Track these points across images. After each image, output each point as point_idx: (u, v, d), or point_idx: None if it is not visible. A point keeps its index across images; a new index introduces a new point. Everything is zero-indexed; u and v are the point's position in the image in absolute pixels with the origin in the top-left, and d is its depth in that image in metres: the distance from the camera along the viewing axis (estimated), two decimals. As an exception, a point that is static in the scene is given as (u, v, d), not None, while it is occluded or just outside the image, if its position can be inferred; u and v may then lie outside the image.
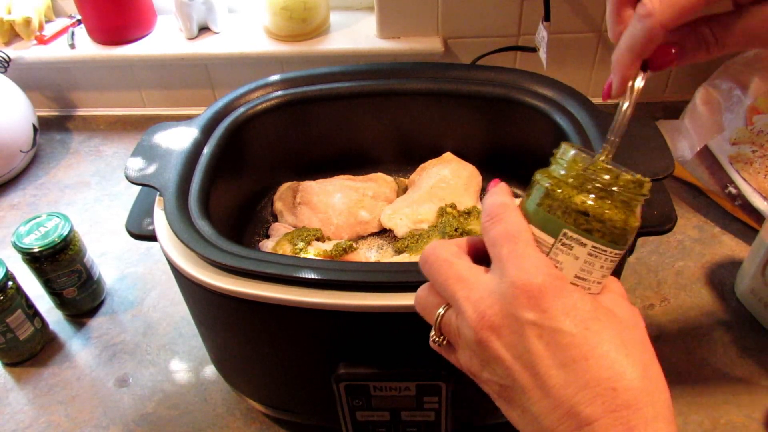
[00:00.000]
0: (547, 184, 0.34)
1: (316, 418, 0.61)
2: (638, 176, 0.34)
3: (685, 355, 0.67)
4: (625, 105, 0.37)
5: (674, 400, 0.65)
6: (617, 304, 0.34)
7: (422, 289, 0.37)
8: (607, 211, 0.33)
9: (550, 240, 0.34)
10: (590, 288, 0.34)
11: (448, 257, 0.35)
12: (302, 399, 0.59)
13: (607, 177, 0.33)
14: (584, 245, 0.33)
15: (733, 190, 0.80)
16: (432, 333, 0.36)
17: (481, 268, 0.34)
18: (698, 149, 0.81)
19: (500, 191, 0.36)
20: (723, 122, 0.81)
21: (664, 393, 0.31)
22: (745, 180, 0.79)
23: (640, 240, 0.58)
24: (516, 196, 0.71)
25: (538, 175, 0.36)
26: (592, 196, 0.33)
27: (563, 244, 0.33)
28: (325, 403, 0.54)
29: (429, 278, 0.36)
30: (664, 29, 0.34)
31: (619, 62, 0.36)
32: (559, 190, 0.34)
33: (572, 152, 0.35)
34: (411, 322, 0.47)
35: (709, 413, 0.62)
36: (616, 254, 0.34)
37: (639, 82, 0.37)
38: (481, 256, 0.36)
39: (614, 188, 0.33)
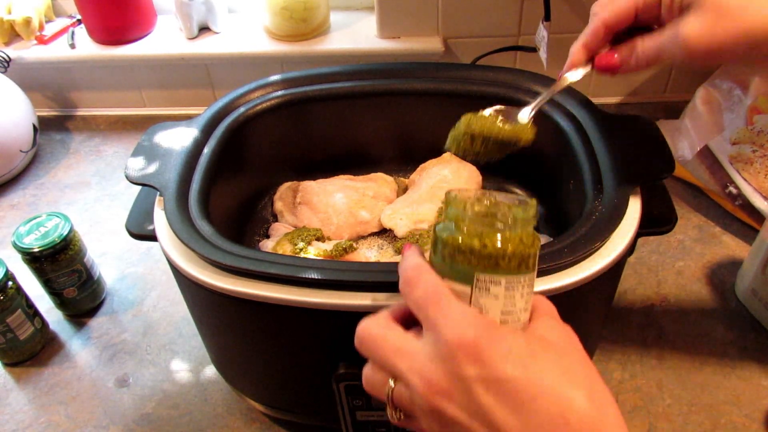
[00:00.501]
0: (444, 236, 0.35)
1: (316, 418, 0.61)
2: (522, 199, 0.35)
3: (685, 355, 0.67)
4: (556, 86, 0.44)
5: (674, 400, 0.65)
6: (548, 327, 0.35)
7: (366, 368, 0.37)
8: (506, 244, 0.33)
9: (467, 289, 0.34)
10: (519, 318, 0.35)
11: (380, 332, 0.35)
12: (302, 399, 0.59)
13: (494, 212, 0.34)
14: (498, 283, 0.34)
15: (734, 190, 0.80)
16: (388, 411, 0.36)
17: (413, 336, 0.35)
18: (698, 149, 0.81)
19: (411, 254, 0.37)
20: (723, 122, 0.81)
21: (613, 409, 0.32)
22: (745, 180, 0.79)
23: (641, 240, 0.58)
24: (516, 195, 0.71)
25: (435, 229, 0.36)
26: (486, 235, 0.34)
27: (480, 289, 0.34)
28: (325, 403, 0.54)
29: (368, 358, 0.36)
30: (605, 26, 0.45)
31: (571, 50, 0.46)
32: (456, 238, 0.34)
33: (453, 194, 0.36)
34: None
35: (710, 413, 0.62)
36: (530, 278, 0.35)
37: (575, 74, 0.47)
38: (409, 319, 0.36)
39: (502, 220, 0.34)
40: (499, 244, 0.33)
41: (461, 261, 0.34)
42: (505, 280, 0.34)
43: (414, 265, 0.36)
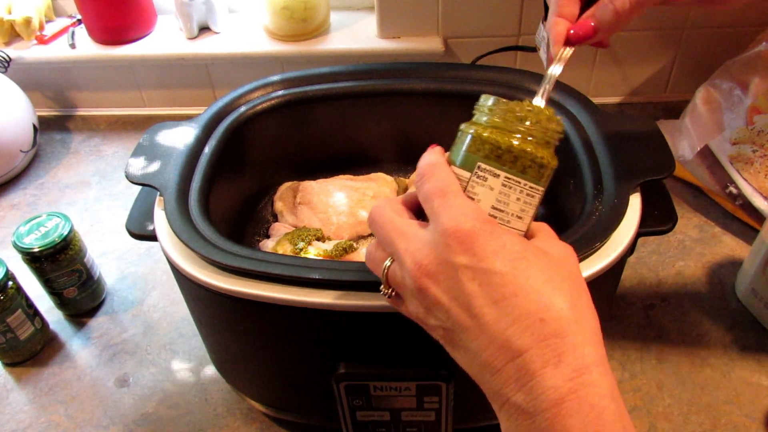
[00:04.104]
0: (463, 126, 0.38)
1: (316, 418, 0.61)
2: (555, 117, 0.37)
3: (685, 355, 0.67)
4: (554, 69, 0.43)
5: (674, 400, 0.65)
6: (549, 244, 0.36)
7: (371, 246, 0.40)
8: (513, 142, 0.35)
9: (467, 174, 0.36)
10: (510, 221, 0.36)
11: (391, 216, 0.37)
12: (302, 399, 0.59)
13: (520, 114, 0.36)
14: (497, 176, 0.35)
15: (734, 190, 0.80)
16: (381, 286, 0.38)
17: (419, 223, 0.37)
18: (699, 149, 0.81)
19: (432, 152, 0.39)
20: (723, 122, 0.81)
21: (593, 321, 0.33)
22: (745, 180, 0.79)
23: (641, 240, 0.58)
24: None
25: (462, 125, 0.38)
26: (499, 129, 0.36)
27: (478, 177, 0.36)
28: (325, 403, 0.54)
29: (375, 235, 0.38)
30: None
31: (549, 26, 0.45)
32: (472, 129, 0.37)
33: (490, 99, 0.38)
34: (411, 321, 0.47)
35: (710, 413, 0.62)
36: (531, 188, 0.36)
37: (568, 51, 0.45)
38: (420, 210, 0.38)
39: (521, 120, 0.36)
40: (506, 138, 0.35)
41: (470, 146, 0.36)
42: (504, 175, 0.35)
43: (431, 162, 0.37)
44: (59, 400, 0.68)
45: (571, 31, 0.45)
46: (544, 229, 0.39)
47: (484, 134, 0.36)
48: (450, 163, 0.37)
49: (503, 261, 0.32)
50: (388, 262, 0.37)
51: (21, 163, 0.99)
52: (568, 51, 0.45)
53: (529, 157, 0.35)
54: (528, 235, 0.38)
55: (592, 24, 0.44)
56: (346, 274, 0.47)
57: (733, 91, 0.82)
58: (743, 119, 0.81)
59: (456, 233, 0.33)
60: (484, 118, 0.37)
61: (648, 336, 0.70)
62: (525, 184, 0.35)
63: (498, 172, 0.35)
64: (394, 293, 0.38)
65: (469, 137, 0.37)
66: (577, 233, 0.48)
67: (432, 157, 0.38)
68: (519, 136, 0.35)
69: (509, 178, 0.35)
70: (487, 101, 0.38)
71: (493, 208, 0.35)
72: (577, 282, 0.34)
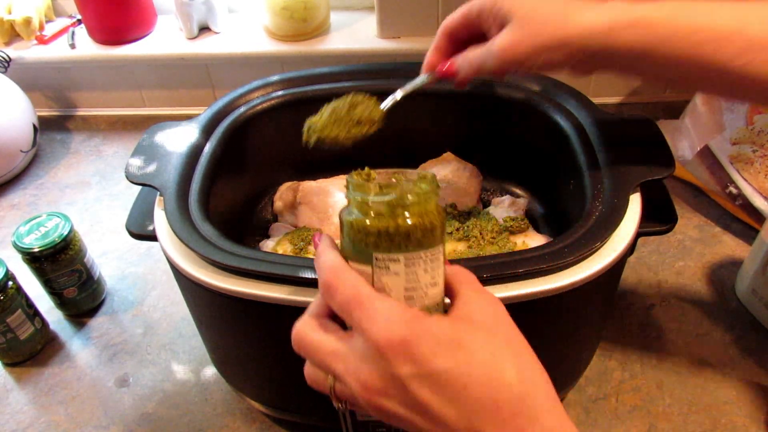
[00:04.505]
0: (343, 217, 0.35)
1: (316, 418, 0.61)
2: (420, 174, 0.35)
3: (685, 355, 0.67)
4: (403, 88, 0.54)
5: (674, 400, 0.65)
6: (475, 304, 0.35)
7: (307, 367, 0.38)
8: (398, 222, 0.33)
9: (368, 269, 0.34)
10: (427, 293, 0.34)
11: (313, 336, 0.36)
12: (302, 399, 0.59)
13: (387, 191, 0.34)
14: (397, 260, 0.33)
15: (734, 190, 0.80)
16: (333, 401, 0.37)
17: (345, 336, 0.35)
18: (699, 149, 0.81)
19: (324, 250, 0.36)
20: (723, 122, 0.81)
21: (542, 382, 0.33)
22: (745, 180, 0.79)
23: (641, 240, 0.58)
24: (515, 195, 0.71)
25: (341, 211, 0.36)
26: (376, 213, 0.33)
27: (380, 268, 0.34)
28: (325, 403, 0.54)
29: (306, 358, 0.37)
30: (444, 32, 0.53)
31: (427, 53, 0.54)
32: (349, 219, 0.34)
33: (351, 176, 0.36)
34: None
35: (710, 413, 0.62)
36: (432, 253, 0.34)
37: (421, 78, 0.54)
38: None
39: (395, 197, 0.33)
40: (386, 221, 0.33)
41: (359, 241, 0.34)
42: (404, 257, 0.33)
43: (330, 267, 0.35)
44: (59, 400, 0.68)
45: (440, 66, 0.53)
46: (462, 282, 0.36)
47: (366, 222, 0.33)
48: (346, 258, 0.35)
49: (444, 358, 0.31)
50: (330, 381, 0.36)
51: (21, 163, 0.99)
52: (425, 78, 0.54)
53: (419, 228, 0.33)
54: (449, 292, 0.36)
55: (454, 67, 0.52)
56: (346, 274, 0.46)
57: (733, 91, 0.82)
58: (743, 119, 0.81)
59: (390, 345, 0.32)
60: (357, 201, 0.34)
61: (648, 336, 0.70)
62: (426, 254, 0.34)
63: (396, 256, 0.33)
64: (348, 405, 0.36)
65: (351, 228, 0.34)
66: (577, 233, 0.48)
67: (327, 258, 0.35)
68: (401, 214, 0.33)
69: (409, 258, 0.33)
70: (351, 179, 0.35)
71: (406, 290, 0.34)
72: (515, 342, 0.34)
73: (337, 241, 0.37)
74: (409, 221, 0.33)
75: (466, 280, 0.36)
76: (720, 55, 0.42)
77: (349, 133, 0.55)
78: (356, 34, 1.02)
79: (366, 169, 0.36)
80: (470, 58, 0.50)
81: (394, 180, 0.35)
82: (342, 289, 0.34)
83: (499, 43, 0.47)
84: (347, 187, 0.36)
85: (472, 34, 0.52)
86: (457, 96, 0.69)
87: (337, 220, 0.69)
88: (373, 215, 0.33)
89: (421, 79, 0.55)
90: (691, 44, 0.43)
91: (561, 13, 0.45)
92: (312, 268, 0.47)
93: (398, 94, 0.56)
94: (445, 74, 0.53)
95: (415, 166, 0.76)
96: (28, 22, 1.03)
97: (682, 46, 0.43)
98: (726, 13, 0.42)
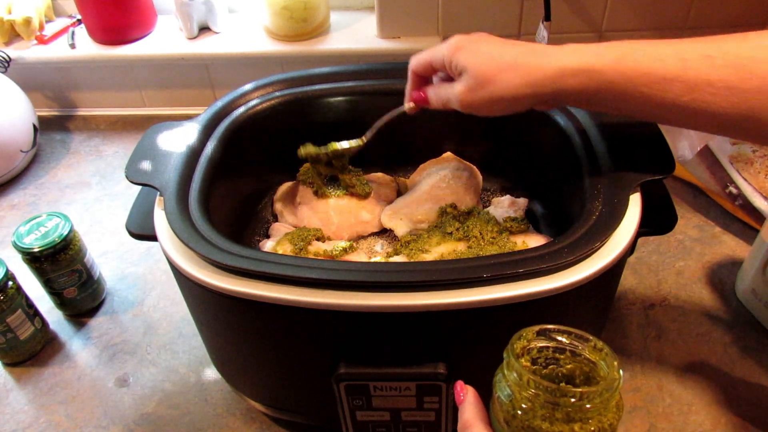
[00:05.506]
0: (503, 402, 0.34)
1: (316, 418, 0.61)
2: (597, 346, 0.33)
3: (685, 355, 0.67)
4: (388, 114, 0.61)
5: (674, 400, 0.65)
6: None
7: None
8: (572, 429, 0.31)
9: None
10: None
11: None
12: (302, 399, 0.59)
13: (567, 398, 0.31)
14: None
15: (734, 190, 0.80)
16: None
17: None
18: (699, 149, 0.81)
19: (468, 409, 0.38)
20: (723, 122, 0.81)
21: None
22: (745, 180, 0.79)
23: (641, 240, 0.58)
24: (516, 195, 0.71)
25: (496, 382, 0.35)
26: (555, 420, 0.32)
27: None
28: (325, 403, 0.54)
29: None
30: (413, 72, 0.58)
31: (406, 88, 0.59)
32: (519, 412, 0.33)
33: (525, 377, 0.33)
34: (411, 322, 0.47)
35: (710, 413, 0.62)
36: None
37: (401, 109, 0.60)
38: None
39: (575, 407, 0.31)
40: (559, 428, 0.31)
41: (518, 429, 0.33)
42: None
43: (464, 423, 0.37)
44: (59, 400, 0.68)
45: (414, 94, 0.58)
46: None
47: (535, 423, 0.31)
48: (495, 425, 0.35)
49: None
50: None
51: (21, 163, 0.99)
52: (405, 108, 0.59)
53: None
54: None
55: (425, 96, 0.57)
56: (346, 274, 0.47)
57: (733, 91, 0.82)
58: (743, 119, 0.81)
59: None
60: (525, 398, 0.32)
61: (648, 336, 0.70)
62: None
63: None
64: None
65: (513, 419, 0.33)
66: (577, 233, 0.48)
67: (470, 420, 0.37)
68: (577, 423, 0.31)
69: None
70: (520, 378, 0.33)
71: None
72: None
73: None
74: (600, 425, 0.31)
75: None
76: (667, 93, 0.45)
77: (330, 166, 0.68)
78: (356, 34, 1.02)
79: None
80: (440, 93, 0.55)
81: (566, 357, 0.33)
82: None
83: (458, 92, 0.51)
84: (506, 366, 0.34)
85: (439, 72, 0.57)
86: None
87: (337, 220, 0.70)
88: (542, 420, 0.31)
89: (399, 110, 0.60)
90: (638, 86, 0.46)
91: (512, 64, 0.48)
92: (312, 268, 0.47)
93: (378, 123, 0.62)
94: (418, 102, 0.58)
95: (415, 166, 0.76)
96: (28, 22, 1.03)
97: (627, 89, 0.46)
98: (670, 54, 0.45)
